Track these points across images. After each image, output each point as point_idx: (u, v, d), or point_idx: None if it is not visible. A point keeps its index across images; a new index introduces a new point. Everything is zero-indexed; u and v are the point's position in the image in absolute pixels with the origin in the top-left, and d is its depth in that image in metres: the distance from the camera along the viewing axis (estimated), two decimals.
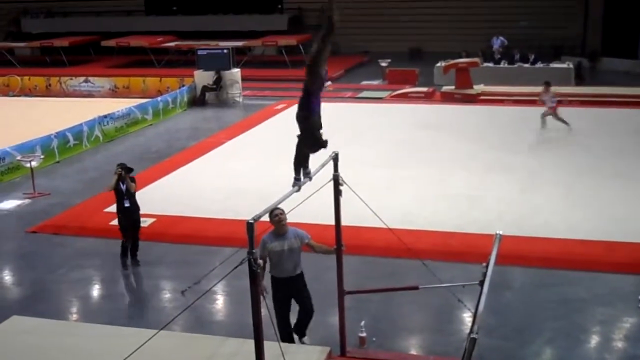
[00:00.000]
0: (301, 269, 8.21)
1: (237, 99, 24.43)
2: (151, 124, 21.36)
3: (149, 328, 7.75)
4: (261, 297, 5.79)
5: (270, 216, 7.73)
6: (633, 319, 8.88)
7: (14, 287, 10.98)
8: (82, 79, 26.62)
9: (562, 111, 18.31)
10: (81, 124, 18.56)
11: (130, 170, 10.94)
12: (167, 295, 10.29)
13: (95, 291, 10.73)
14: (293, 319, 8.40)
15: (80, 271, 11.11)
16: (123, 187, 10.81)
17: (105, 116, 19.51)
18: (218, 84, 24.30)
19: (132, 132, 20.36)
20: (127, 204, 10.79)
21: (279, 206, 7.43)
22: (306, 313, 8.35)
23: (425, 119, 20.50)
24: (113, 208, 13.51)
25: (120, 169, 10.74)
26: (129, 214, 10.91)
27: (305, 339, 8.45)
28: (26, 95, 26.22)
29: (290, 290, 8.16)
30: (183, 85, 24.53)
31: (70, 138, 18.02)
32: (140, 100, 22.48)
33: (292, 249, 8.00)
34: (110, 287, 10.70)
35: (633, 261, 10.66)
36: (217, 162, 16.83)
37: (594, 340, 8.76)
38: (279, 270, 8.08)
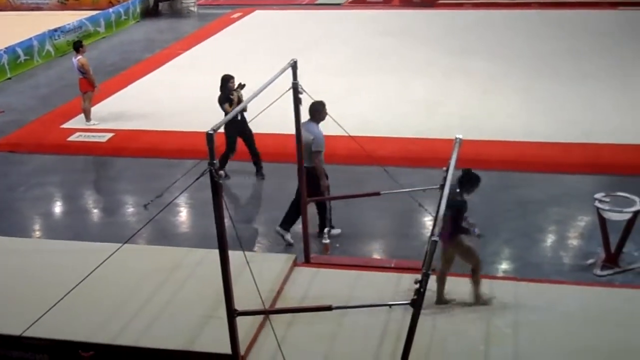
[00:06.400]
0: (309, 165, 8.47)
1: (192, 8, 23.80)
2: (104, 37, 20.84)
3: (113, 242, 7.74)
4: (224, 207, 5.78)
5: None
6: (588, 217, 9.13)
7: None
8: None
9: (520, 14, 18.17)
10: (31, 39, 17.99)
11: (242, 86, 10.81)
12: (130, 209, 10.26)
13: (57, 208, 10.66)
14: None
15: (40, 188, 10.99)
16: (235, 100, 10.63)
17: (55, 30, 18.93)
18: None
19: (85, 45, 19.73)
20: (239, 117, 10.44)
21: None
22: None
23: (384, 26, 20.27)
24: (70, 124, 13.40)
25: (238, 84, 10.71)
26: (239, 125, 10.61)
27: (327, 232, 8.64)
28: None
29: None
30: None
31: (21, 53, 17.50)
32: (91, 13, 21.75)
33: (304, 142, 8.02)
34: (72, 204, 10.63)
35: (589, 161, 10.91)
36: (173, 74, 16.53)
37: (550, 239, 9.03)
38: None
